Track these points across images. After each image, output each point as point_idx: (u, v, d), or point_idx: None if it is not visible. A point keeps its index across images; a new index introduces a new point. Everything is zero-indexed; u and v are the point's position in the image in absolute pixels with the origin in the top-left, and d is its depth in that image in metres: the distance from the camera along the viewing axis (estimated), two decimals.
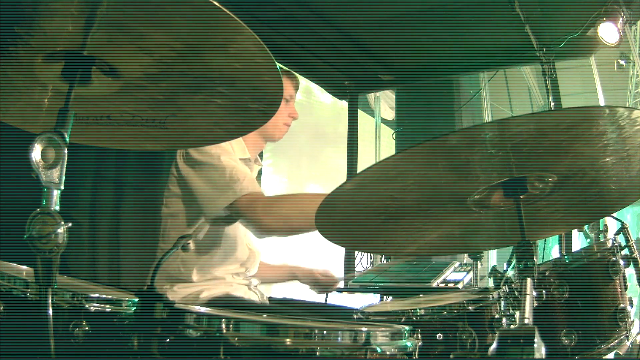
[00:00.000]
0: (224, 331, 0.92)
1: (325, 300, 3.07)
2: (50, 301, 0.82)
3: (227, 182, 1.90)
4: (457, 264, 3.04)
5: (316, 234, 1.26)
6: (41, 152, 0.84)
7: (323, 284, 2.41)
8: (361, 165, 4.17)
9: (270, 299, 2.25)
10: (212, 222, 1.99)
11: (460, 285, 2.81)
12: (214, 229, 2.02)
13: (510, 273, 1.43)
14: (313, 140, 5.02)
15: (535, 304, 1.03)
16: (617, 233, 1.63)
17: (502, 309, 1.42)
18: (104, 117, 1.10)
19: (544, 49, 3.32)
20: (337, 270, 4.00)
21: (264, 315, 1.18)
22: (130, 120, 1.11)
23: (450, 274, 2.94)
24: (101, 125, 1.12)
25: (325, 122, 5.55)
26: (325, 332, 0.97)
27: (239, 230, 2.09)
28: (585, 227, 1.97)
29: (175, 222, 2.02)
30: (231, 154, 2.00)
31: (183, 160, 1.99)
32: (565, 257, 1.60)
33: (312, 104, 5.44)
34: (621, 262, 1.57)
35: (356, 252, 3.83)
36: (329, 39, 3.42)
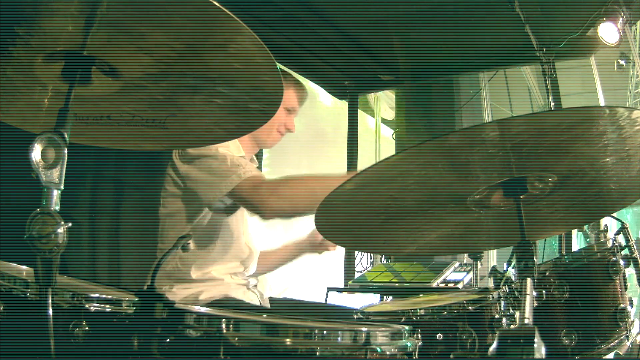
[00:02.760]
0: (224, 331, 0.92)
1: (325, 300, 3.07)
2: (50, 301, 0.82)
3: (229, 168, 1.89)
4: (457, 264, 3.04)
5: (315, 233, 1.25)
6: (41, 152, 0.84)
7: (322, 244, 2.27)
8: (361, 165, 4.17)
9: (270, 299, 2.24)
10: (214, 211, 1.98)
11: (460, 285, 2.81)
12: (213, 224, 2.02)
13: (510, 272, 1.43)
14: (313, 140, 5.01)
15: (535, 304, 1.03)
16: (617, 233, 1.63)
17: (502, 309, 1.42)
18: (104, 117, 1.10)
19: (544, 49, 3.32)
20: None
21: (264, 315, 1.18)
22: (130, 120, 1.11)
23: (450, 274, 2.94)
24: (101, 125, 1.12)
25: (325, 122, 5.54)
26: (325, 332, 0.97)
27: (239, 227, 2.09)
28: (585, 227, 1.97)
29: (173, 222, 2.02)
30: (228, 147, 2.00)
31: (179, 158, 1.99)
32: (565, 257, 1.60)
33: (312, 103, 5.44)
34: (621, 262, 1.57)
35: (356, 252, 3.84)
36: (329, 39, 3.42)
